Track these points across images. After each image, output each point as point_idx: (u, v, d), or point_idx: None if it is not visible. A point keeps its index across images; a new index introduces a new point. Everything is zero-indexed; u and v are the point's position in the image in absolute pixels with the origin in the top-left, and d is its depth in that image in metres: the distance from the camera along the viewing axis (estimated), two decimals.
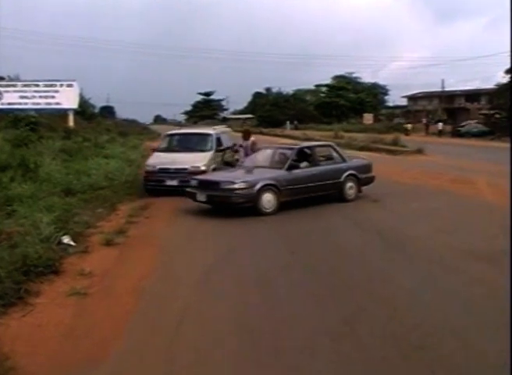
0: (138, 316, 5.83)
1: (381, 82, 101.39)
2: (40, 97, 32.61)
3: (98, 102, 75.85)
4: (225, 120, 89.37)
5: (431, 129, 59.40)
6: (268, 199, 11.84)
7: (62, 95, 32.59)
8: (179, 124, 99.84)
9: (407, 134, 51.05)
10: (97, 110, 67.80)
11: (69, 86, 33.12)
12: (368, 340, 5.01)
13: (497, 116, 51.22)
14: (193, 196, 12.44)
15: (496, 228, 9.85)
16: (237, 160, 15.25)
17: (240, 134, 17.57)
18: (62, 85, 32.97)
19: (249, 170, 13.00)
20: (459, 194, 14.38)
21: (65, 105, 32.76)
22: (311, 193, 12.78)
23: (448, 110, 75.37)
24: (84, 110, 45.07)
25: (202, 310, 5.93)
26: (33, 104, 32.30)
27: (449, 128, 57.25)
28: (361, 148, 31.27)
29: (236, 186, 11.70)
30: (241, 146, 15.86)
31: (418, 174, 19.23)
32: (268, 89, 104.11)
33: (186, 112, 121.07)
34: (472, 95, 77.34)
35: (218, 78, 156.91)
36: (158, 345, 5.01)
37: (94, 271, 7.47)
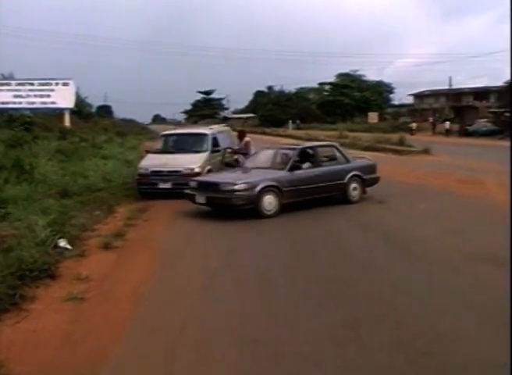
0: (137, 322, 5.83)
1: (386, 80, 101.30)
2: (35, 96, 32.69)
3: (95, 101, 75.99)
4: (225, 120, 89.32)
5: (438, 128, 59.28)
6: (269, 201, 11.83)
7: (58, 94, 32.68)
8: (178, 124, 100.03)
9: (412, 134, 51.02)
10: (94, 109, 67.91)
11: (65, 85, 33.21)
12: (373, 345, 5.00)
13: (506, 114, 51.06)
14: (192, 198, 12.45)
15: (504, 229, 9.82)
16: (237, 161, 15.26)
17: None
18: (57, 84, 33.05)
19: (250, 171, 13.00)
20: (467, 194, 14.37)
21: (60, 105, 32.84)
22: (313, 194, 12.78)
23: (455, 108, 75.18)
24: (81, 110, 45.16)
25: (202, 317, 5.92)
26: (28, 103, 32.38)
27: (456, 127, 57.14)
28: (366, 148, 31.28)
29: (236, 187, 11.70)
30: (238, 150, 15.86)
31: (425, 175, 19.21)
32: (269, 87, 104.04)
33: (185, 112, 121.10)
34: (481, 93, 77.21)
35: (218, 76, 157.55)
36: (158, 352, 5.01)
37: (92, 275, 7.47)
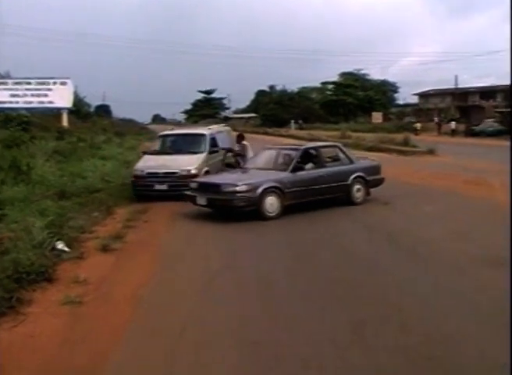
0: (136, 325, 5.82)
1: (390, 79, 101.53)
2: (33, 95, 32.66)
3: (94, 101, 76.05)
4: (226, 119, 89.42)
5: (443, 128, 59.24)
6: (271, 202, 11.83)
7: (56, 94, 32.66)
8: (178, 124, 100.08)
9: (416, 134, 50.98)
10: (92, 109, 68.06)
11: (63, 84, 33.20)
12: (377, 349, 5.00)
13: None
14: (192, 199, 12.45)
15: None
16: (237, 162, 15.28)
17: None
18: (55, 83, 33.04)
19: (251, 172, 13.01)
20: (473, 196, 14.36)
21: (58, 104, 32.83)
22: (316, 196, 12.77)
23: (461, 108, 75.16)
24: (79, 109, 45.24)
25: (202, 319, 5.92)
26: (25, 103, 32.35)
27: (462, 127, 57.08)
28: (370, 149, 31.29)
29: (237, 189, 11.69)
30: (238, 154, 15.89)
31: (430, 175, 19.20)
32: (271, 87, 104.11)
33: (186, 111, 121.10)
34: (487, 92, 77.07)
35: (219, 75, 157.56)
36: (157, 355, 5.01)
37: (90, 278, 7.47)
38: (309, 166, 13.09)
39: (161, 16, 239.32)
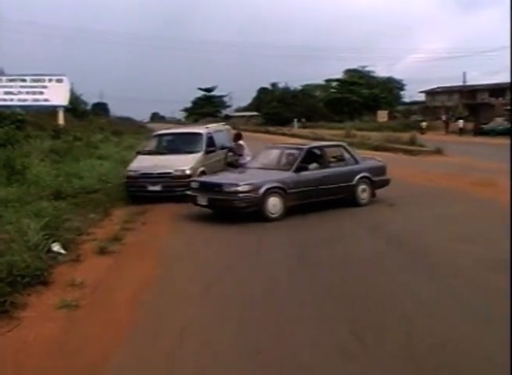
0: (134, 332, 5.81)
1: (396, 76, 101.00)
2: (27, 93, 32.56)
3: (91, 99, 76.38)
4: (227, 118, 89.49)
5: (451, 127, 59.20)
6: (273, 203, 11.82)
7: (51, 91, 32.59)
8: (178, 122, 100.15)
9: (422, 133, 50.93)
10: (89, 107, 68.03)
11: (59, 81, 33.13)
12: (382, 358, 4.97)
13: None
14: (193, 199, 12.45)
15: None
16: (237, 161, 15.33)
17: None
18: (50, 80, 32.97)
19: (253, 172, 13.00)
20: (481, 197, 14.32)
21: (54, 102, 32.75)
22: (320, 197, 12.76)
23: (470, 106, 75.07)
24: (75, 107, 45.18)
25: (203, 326, 5.90)
26: (20, 100, 32.24)
27: (470, 126, 57.01)
28: (375, 148, 31.31)
29: (239, 189, 11.68)
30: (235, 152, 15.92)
31: (437, 176, 19.18)
32: (274, 84, 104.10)
33: (185, 110, 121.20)
34: (497, 90, 76.74)
35: (220, 72, 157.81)
36: (157, 363, 4.99)
37: (86, 281, 7.46)
38: (313, 165, 13.09)
39: (161, 12, 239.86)
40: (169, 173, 14.81)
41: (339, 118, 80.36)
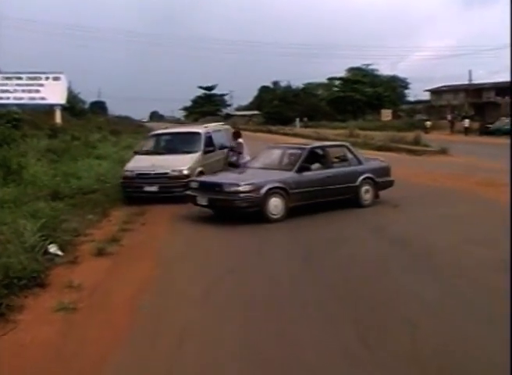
0: (133, 335, 5.80)
1: (401, 74, 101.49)
2: (24, 91, 32.53)
3: (88, 97, 76.25)
4: (228, 117, 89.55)
5: (456, 126, 59.17)
6: (275, 204, 11.81)
7: (48, 89, 32.58)
8: (177, 121, 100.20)
9: (426, 132, 50.89)
10: (87, 106, 68.07)
11: (56, 79, 33.12)
12: (389, 363, 4.97)
13: None
14: (193, 199, 12.46)
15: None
16: (237, 161, 15.37)
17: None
18: (47, 78, 32.95)
19: (255, 172, 13.01)
20: (488, 198, 14.31)
21: (51, 100, 32.75)
22: (323, 198, 12.76)
23: (476, 105, 75.05)
24: (73, 106, 45.16)
25: (204, 330, 5.88)
26: (16, 99, 32.19)
27: (476, 125, 57.00)
28: (379, 148, 31.30)
29: (240, 188, 11.68)
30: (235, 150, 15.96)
31: (442, 176, 19.17)
32: (275, 83, 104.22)
33: (185, 108, 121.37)
34: (503, 88, 76.30)
35: (220, 71, 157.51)
36: (156, 368, 4.99)
37: (84, 284, 7.46)
38: (315, 166, 13.09)
39: (160, 8, 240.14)
40: (166, 173, 14.82)
41: (342, 117, 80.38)
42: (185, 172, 14.79)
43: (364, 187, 13.46)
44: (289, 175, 12.46)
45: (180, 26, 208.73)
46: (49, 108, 33.59)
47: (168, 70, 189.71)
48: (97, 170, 18.20)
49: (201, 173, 14.89)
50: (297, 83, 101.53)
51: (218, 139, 17.08)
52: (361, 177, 13.42)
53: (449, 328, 5.73)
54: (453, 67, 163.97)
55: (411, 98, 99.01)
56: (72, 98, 44.50)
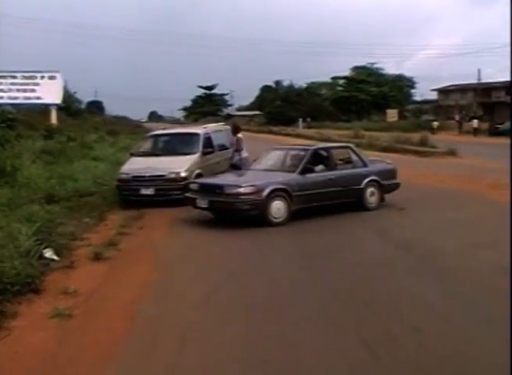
0: (130, 343, 5.79)
1: (407, 73, 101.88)
2: (18, 90, 32.53)
3: (85, 97, 76.63)
4: (229, 117, 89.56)
5: (464, 126, 59.21)
6: (277, 207, 11.80)
7: (44, 89, 32.59)
8: (177, 122, 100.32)
9: (433, 133, 50.91)
10: (83, 106, 68.32)
11: (52, 78, 33.15)
12: (393, 370, 4.96)
13: None
14: (192, 202, 12.46)
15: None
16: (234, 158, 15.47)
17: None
18: (43, 77, 32.97)
19: (257, 173, 13.02)
20: (497, 200, 14.27)
21: (46, 100, 32.75)
22: (326, 200, 12.76)
23: (485, 105, 75.03)
24: (69, 106, 45.25)
25: (203, 337, 5.88)
26: (10, 98, 32.17)
27: (485, 125, 56.98)
28: (385, 149, 31.30)
29: (241, 190, 11.68)
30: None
31: (451, 178, 19.15)
32: (277, 82, 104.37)
33: (185, 108, 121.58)
34: None
35: (221, 70, 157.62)
36: (156, 374, 4.98)
37: (80, 289, 7.45)
38: (319, 167, 13.09)
39: (159, 5, 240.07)
40: (163, 175, 14.80)
41: (346, 117, 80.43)
42: (182, 174, 14.77)
43: (369, 190, 13.46)
44: (292, 177, 12.45)
45: (180, 24, 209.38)
46: (44, 108, 33.60)
47: (168, 69, 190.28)
48: (94, 172, 18.22)
49: (200, 176, 14.86)
50: (300, 82, 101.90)
51: (217, 140, 17.07)
52: (366, 180, 13.42)
53: (455, 333, 5.74)
54: (460, 65, 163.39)
55: (418, 98, 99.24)
56: (68, 97, 44.59)
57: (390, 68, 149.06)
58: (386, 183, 13.86)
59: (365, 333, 5.74)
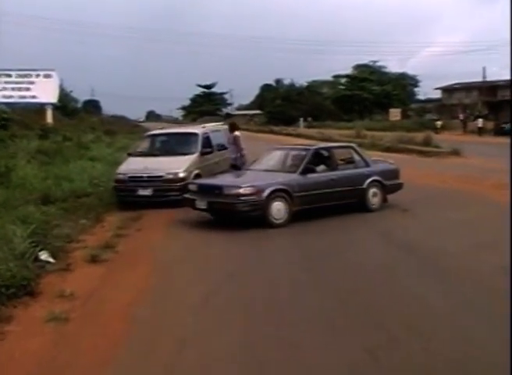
0: (127, 347, 5.78)
1: (410, 72, 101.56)
2: (13, 89, 32.47)
3: (81, 96, 76.52)
4: (228, 117, 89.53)
5: (469, 126, 59.17)
6: (278, 208, 11.79)
7: (39, 87, 32.55)
8: (175, 121, 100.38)
9: (436, 132, 50.90)
10: (79, 105, 68.26)
11: (47, 76, 33.10)
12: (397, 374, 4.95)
13: None
14: (191, 203, 12.45)
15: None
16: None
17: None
18: (38, 75, 32.93)
19: (257, 174, 13.01)
20: (503, 201, 14.25)
21: (42, 99, 32.73)
22: (328, 201, 12.75)
23: (490, 104, 74.78)
24: (65, 105, 45.22)
25: (202, 341, 5.88)
26: (4, 97, 32.11)
27: (490, 125, 56.92)
28: (387, 149, 31.30)
29: (241, 191, 11.67)
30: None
31: (454, 179, 19.14)
32: (278, 81, 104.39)
33: (183, 108, 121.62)
34: None
35: (220, 68, 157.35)
36: None
37: (77, 292, 7.45)
38: (321, 168, 13.09)
39: (159, 2, 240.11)
40: (161, 176, 14.81)
41: (348, 117, 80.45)
42: (180, 175, 14.78)
43: (372, 191, 13.46)
44: (293, 177, 12.45)
45: (179, 22, 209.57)
46: (40, 108, 33.59)
47: (166, 68, 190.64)
48: (91, 173, 18.20)
49: (198, 176, 14.87)
50: (301, 81, 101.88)
51: (216, 140, 17.05)
52: (368, 180, 13.42)
53: (463, 339, 5.71)
54: (465, 64, 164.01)
55: (421, 97, 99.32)
56: (64, 96, 44.52)
57: (393, 66, 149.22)
58: (389, 183, 13.86)
59: (369, 340, 5.71)
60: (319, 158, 13.37)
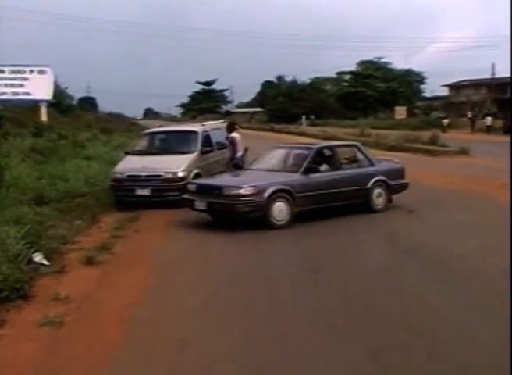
0: (124, 351, 5.80)
1: (416, 68, 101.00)
2: (6, 85, 32.41)
3: (77, 93, 76.64)
4: (228, 114, 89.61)
5: (477, 124, 59.10)
6: (279, 208, 11.79)
7: (33, 84, 32.52)
8: (174, 119, 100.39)
9: (443, 131, 50.82)
10: (75, 102, 68.31)
11: (42, 72, 33.11)
12: None
13: None
14: (190, 204, 12.45)
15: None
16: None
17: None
18: (32, 71, 32.91)
19: (258, 174, 13.01)
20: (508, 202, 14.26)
21: (36, 96, 32.70)
22: (331, 202, 12.74)
23: (499, 101, 74.76)
24: (60, 102, 45.28)
25: (201, 345, 5.89)
26: None
27: (500, 123, 56.83)
28: (392, 148, 31.32)
29: (241, 192, 11.67)
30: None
31: (462, 179, 19.12)
32: (279, 77, 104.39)
33: (182, 105, 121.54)
34: None
35: (220, 64, 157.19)
36: None
37: (72, 295, 7.46)
38: (323, 167, 13.09)
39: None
40: (159, 175, 14.81)
41: (352, 115, 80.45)
42: (180, 174, 14.77)
43: (376, 191, 13.45)
44: (295, 177, 12.45)
45: (178, 18, 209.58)
46: (34, 105, 33.59)
47: (165, 64, 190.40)
48: (87, 172, 18.22)
49: (198, 176, 14.86)
50: (303, 77, 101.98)
51: (216, 138, 17.03)
52: (373, 180, 13.41)
53: (469, 344, 5.72)
54: (473, 60, 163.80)
55: (428, 94, 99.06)
56: (58, 93, 44.58)
57: (399, 62, 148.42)
58: (394, 183, 13.85)
59: (373, 344, 5.72)
60: (322, 157, 13.36)
